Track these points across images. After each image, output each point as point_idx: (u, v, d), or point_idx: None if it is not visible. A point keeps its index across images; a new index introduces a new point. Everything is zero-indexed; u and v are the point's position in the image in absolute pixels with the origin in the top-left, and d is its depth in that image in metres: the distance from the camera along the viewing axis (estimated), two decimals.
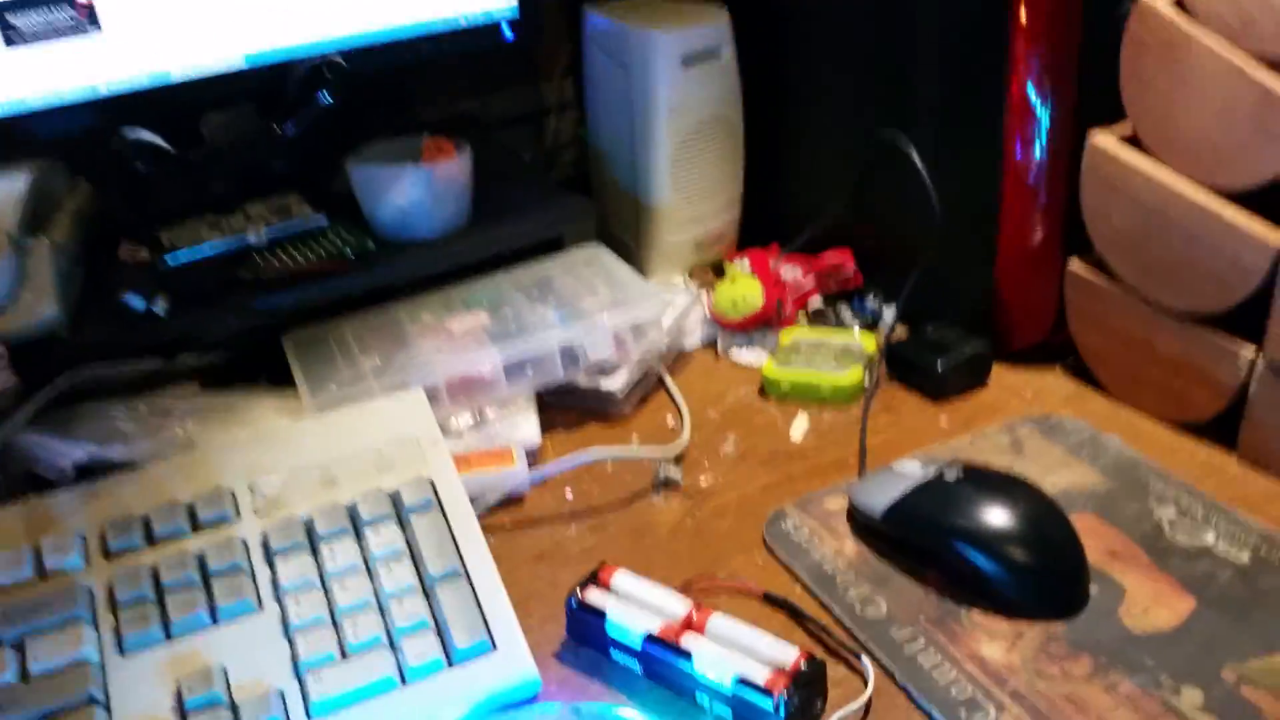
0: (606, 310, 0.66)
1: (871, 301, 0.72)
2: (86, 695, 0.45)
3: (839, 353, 0.67)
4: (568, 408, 0.67)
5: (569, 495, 0.60)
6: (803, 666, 0.44)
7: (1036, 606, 0.49)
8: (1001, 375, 0.67)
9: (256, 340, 0.66)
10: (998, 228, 0.64)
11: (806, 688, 0.44)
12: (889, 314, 0.71)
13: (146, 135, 0.66)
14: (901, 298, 0.69)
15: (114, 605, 0.48)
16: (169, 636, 0.47)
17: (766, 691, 0.43)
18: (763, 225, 0.81)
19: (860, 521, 0.55)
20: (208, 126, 0.72)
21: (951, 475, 0.52)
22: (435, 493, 0.53)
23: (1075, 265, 0.64)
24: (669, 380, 0.69)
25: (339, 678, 0.46)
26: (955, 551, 0.50)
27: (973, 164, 0.65)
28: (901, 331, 0.70)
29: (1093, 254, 0.63)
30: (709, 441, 0.64)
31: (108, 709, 0.45)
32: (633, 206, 0.78)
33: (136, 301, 0.64)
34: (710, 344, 0.73)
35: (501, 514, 0.59)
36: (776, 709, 0.43)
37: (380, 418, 0.56)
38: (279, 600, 0.49)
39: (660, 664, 0.47)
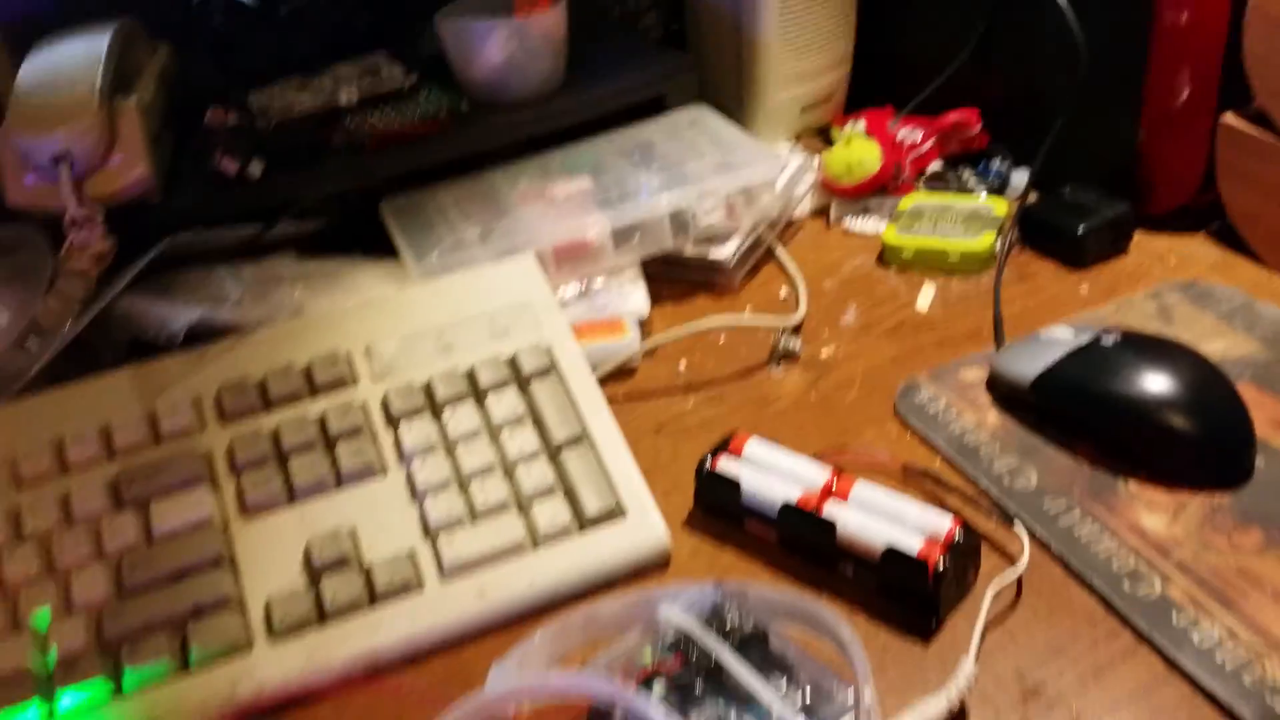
0: (715, 173, 0.62)
1: (998, 164, 0.67)
2: (214, 555, 0.44)
3: (966, 217, 0.63)
4: (673, 280, 0.64)
5: (682, 367, 0.58)
6: (957, 536, 0.42)
7: (1201, 476, 0.46)
8: (1142, 242, 0.63)
9: (354, 207, 0.64)
10: (1145, 76, 0.59)
11: (962, 557, 0.42)
12: (1017, 177, 0.67)
13: None
14: (1040, 155, 0.64)
15: (234, 468, 0.47)
16: (293, 499, 0.46)
17: (921, 561, 0.41)
18: (871, 86, 0.76)
19: (1003, 392, 0.52)
20: None
21: (1109, 340, 0.49)
22: (553, 358, 0.51)
23: (1230, 119, 0.59)
24: (780, 250, 0.65)
25: (471, 538, 0.44)
26: (1114, 419, 0.47)
27: (1118, 2, 0.59)
28: (1033, 196, 0.66)
29: (1250, 107, 0.58)
30: (827, 312, 0.60)
31: (235, 569, 0.44)
32: (735, 63, 0.73)
33: (230, 164, 0.61)
34: (820, 213, 0.70)
35: (614, 386, 0.57)
36: (932, 580, 0.41)
37: (490, 284, 0.54)
38: (404, 463, 0.47)
39: (800, 534, 0.45)
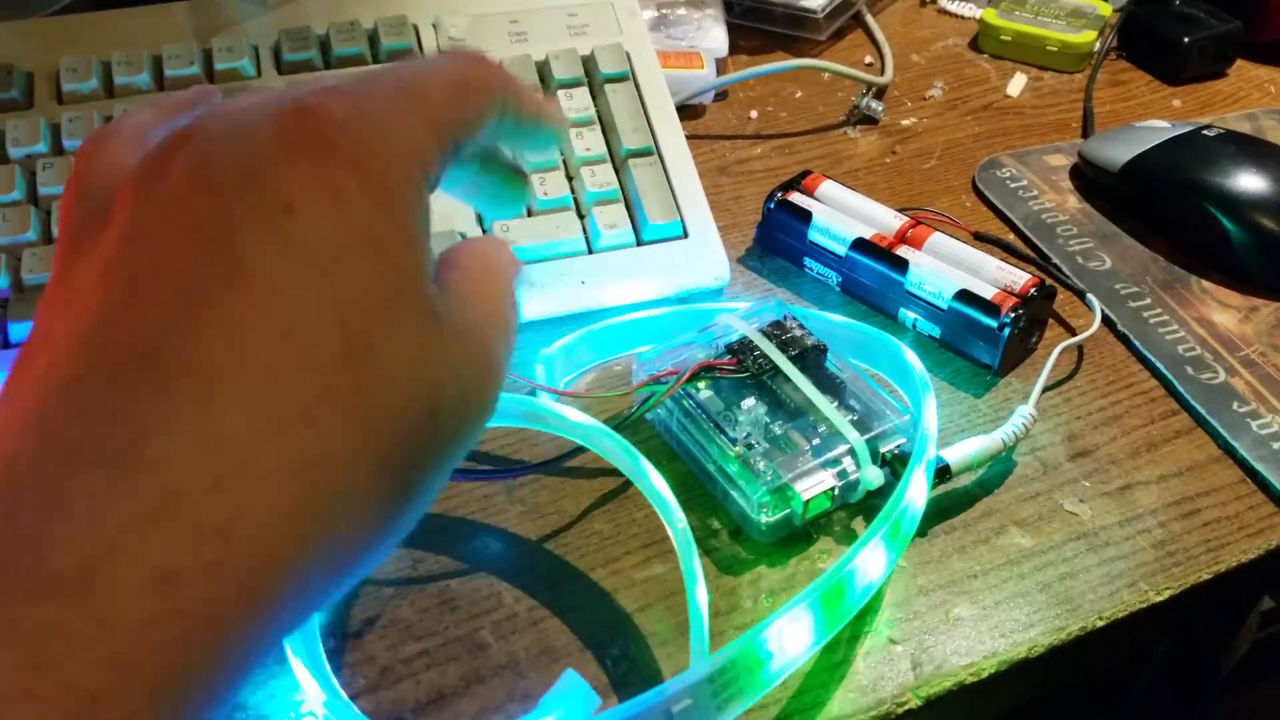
0: None
1: None
2: None
3: (1070, 13, 0.60)
4: (754, 33, 0.61)
5: (754, 115, 0.55)
6: (1033, 291, 0.40)
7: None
8: (1243, 68, 0.60)
9: None
10: None
11: (1033, 313, 0.41)
12: None
13: None
14: None
15: None
16: None
17: (994, 304, 0.40)
18: None
19: (1090, 177, 0.49)
20: None
21: (1211, 133, 0.46)
22: (631, 65, 0.48)
23: None
24: (870, 19, 0.62)
25: (526, 230, 0.43)
26: (1201, 210, 0.45)
27: None
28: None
29: None
30: (912, 85, 0.58)
31: None
32: None
33: None
34: None
35: (681, 123, 0.54)
36: (1001, 328, 0.40)
37: None
38: None
39: (866, 273, 0.43)
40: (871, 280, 0.43)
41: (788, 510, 0.35)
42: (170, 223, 0.18)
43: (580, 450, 0.37)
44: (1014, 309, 0.39)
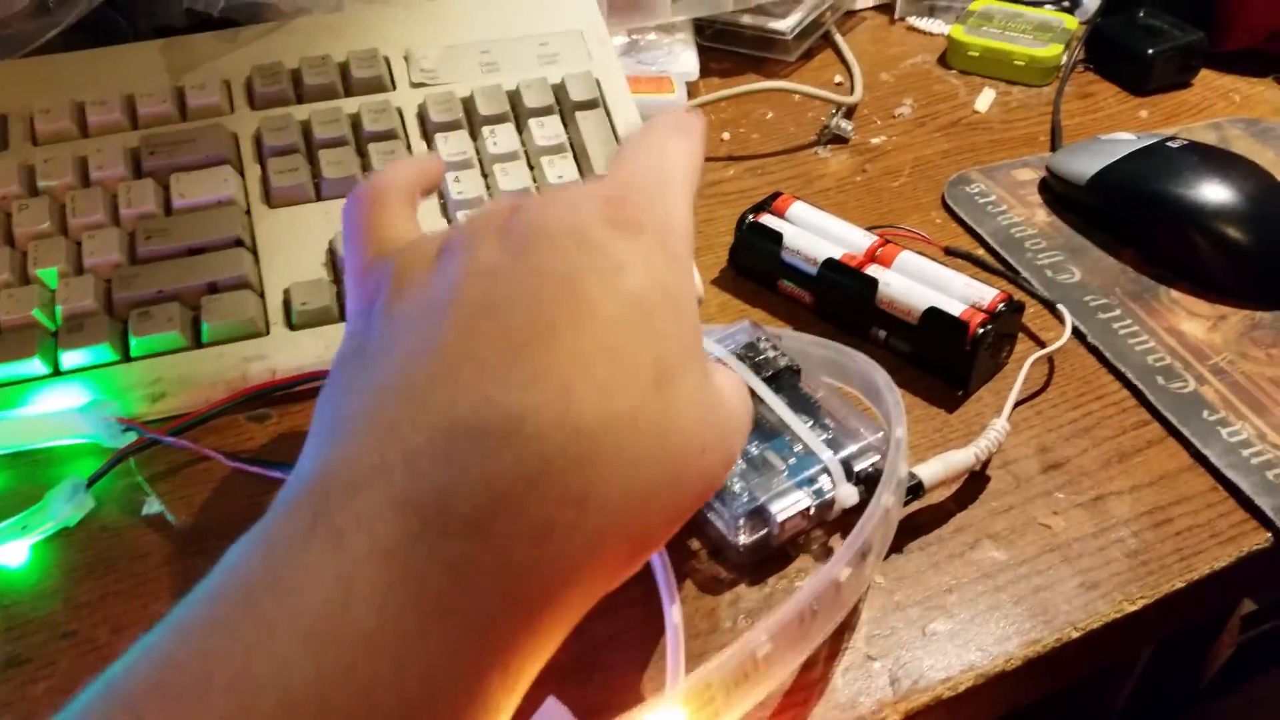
0: None
1: None
2: (234, 236, 0.42)
3: (1036, 27, 0.60)
4: (724, 55, 0.61)
5: (725, 137, 0.56)
6: (1001, 307, 0.41)
7: (1247, 290, 0.45)
8: (1207, 78, 0.61)
9: None
10: None
11: (1002, 328, 0.41)
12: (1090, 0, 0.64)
13: None
14: None
15: (261, 154, 0.45)
16: (319, 196, 0.44)
17: (962, 321, 0.40)
18: None
19: (1057, 191, 0.50)
20: None
21: (1174, 144, 0.47)
22: (601, 91, 0.48)
23: None
24: (839, 38, 0.62)
25: None
26: (1169, 221, 0.46)
27: None
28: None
29: None
30: (882, 103, 0.58)
31: (255, 253, 0.43)
32: None
33: None
34: (884, 8, 0.67)
35: None
36: (971, 344, 0.40)
37: (542, 7, 0.51)
38: None
39: (837, 293, 0.43)
40: (842, 299, 0.43)
41: (765, 530, 0.35)
42: (518, 264, 0.23)
43: None
44: (983, 324, 0.40)
